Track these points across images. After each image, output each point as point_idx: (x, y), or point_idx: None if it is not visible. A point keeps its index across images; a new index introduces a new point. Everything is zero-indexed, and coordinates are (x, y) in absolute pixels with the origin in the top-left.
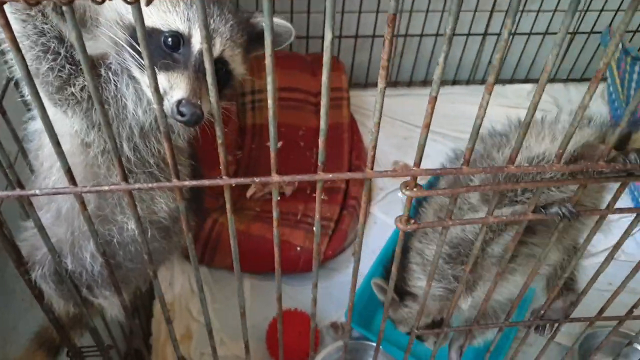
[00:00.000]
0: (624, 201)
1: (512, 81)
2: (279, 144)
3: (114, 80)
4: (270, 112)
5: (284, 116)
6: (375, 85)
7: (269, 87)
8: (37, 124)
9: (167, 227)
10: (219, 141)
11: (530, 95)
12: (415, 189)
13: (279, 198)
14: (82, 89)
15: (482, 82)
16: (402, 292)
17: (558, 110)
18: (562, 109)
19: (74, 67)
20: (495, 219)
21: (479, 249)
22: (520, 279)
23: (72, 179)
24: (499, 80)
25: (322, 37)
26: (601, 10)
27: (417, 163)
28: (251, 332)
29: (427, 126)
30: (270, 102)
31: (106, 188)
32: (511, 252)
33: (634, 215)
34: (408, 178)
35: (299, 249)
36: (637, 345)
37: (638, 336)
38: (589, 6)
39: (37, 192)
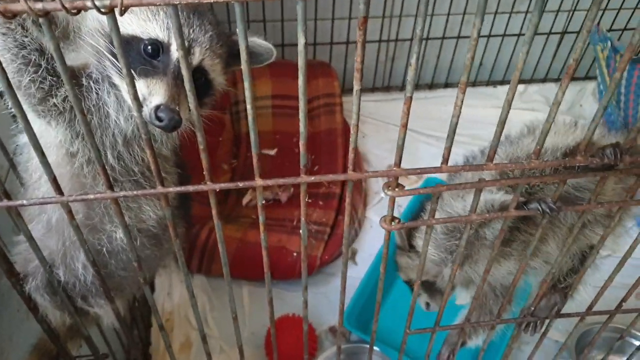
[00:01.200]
0: None
1: (503, 82)
2: (274, 151)
3: (96, 89)
4: (250, 119)
5: (278, 123)
6: (368, 90)
7: (249, 107)
8: (25, 137)
9: (157, 234)
10: (201, 147)
11: (523, 96)
12: (397, 189)
13: (263, 202)
14: (64, 100)
15: (474, 84)
16: (410, 244)
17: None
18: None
19: (55, 79)
20: (478, 217)
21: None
22: (515, 265)
23: (58, 189)
24: (491, 82)
25: (315, 44)
26: (588, 10)
27: (397, 163)
28: (250, 338)
29: (405, 126)
30: (250, 117)
31: (92, 196)
32: (497, 249)
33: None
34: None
35: (295, 254)
36: (630, 339)
37: (630, 330)
38: (576, 6)
39: (25, 202)
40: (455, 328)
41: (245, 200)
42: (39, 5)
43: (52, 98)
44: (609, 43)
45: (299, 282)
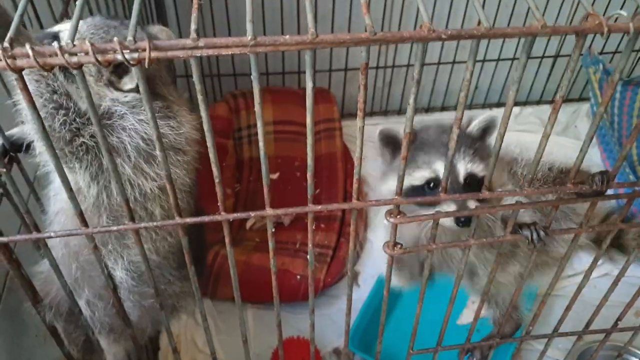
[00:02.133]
0: None
1: (499, 105)
2: (276, 175)
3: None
4: (261, 146)
5: (279, 148)
6: (367, 114)
7: (261, 145)
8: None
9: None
10: (216, 180)
11: (518, 118)
12: (399, 217)
13: (273, 230)
14: (91, 136)
15: (470, 107)
16: None
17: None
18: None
19: (82, 119)
20: (476, 242)
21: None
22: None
23: (83, 221)
24: (487, 105)
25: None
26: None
27: (398, 192)
28: None
29: (405, 159)
30: (261, 152)
31: (114, 228)
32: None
33: None
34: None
35: (299, 277)
36: (629, 356)
37: (628, 347)
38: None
39: (52, 234)
40: (457, 348)
41: (249, 224)
42: (75, 59)
43: (80, 137)
44: (601, 66)
45: (302, 305)
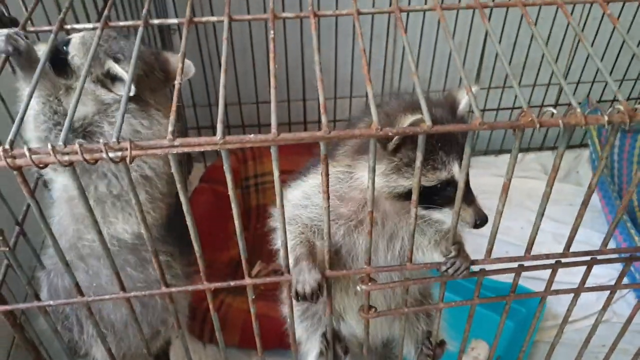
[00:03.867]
0: None
1: (501, 152)
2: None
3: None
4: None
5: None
6: None
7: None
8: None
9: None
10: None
11: (520, 164)
12: (370, 284)
13: (253, 297)
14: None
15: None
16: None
17: (547, 177)
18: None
19: (73, 134)
20: (445, 305)
21: None
22: None
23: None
24: (489, 152)
25: (318, 122)
26: (578, 82)
27: (367, 262)
28: None
29: (370, 234)
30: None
31: (107, 297)
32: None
33: None
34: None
35: None
36: None
37: None
38: (566, 77)
39: (52, 302)
40: None
41: (254, 272)
42: (66, 158)
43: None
44: (600, 113)
45: None
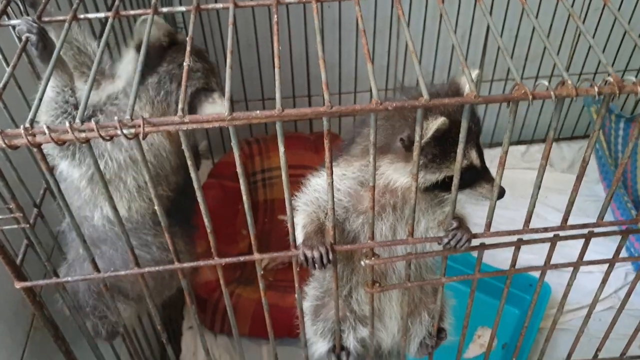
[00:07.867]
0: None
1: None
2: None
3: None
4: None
5: (292, 191)
6: None
7: (288, 211)
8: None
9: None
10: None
11: (525, 156)
12: (373, 258)
13: (262, 272)
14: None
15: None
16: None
17: (551, 168)
18: (555, 166)
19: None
20: (447, 279)
21: None
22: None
23: (95, 267)
24: (493, 144)
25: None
26: (580, 74)
27: (371, 237)
28: None
29: (373, 208)
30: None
31: (122, 272)
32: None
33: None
34: None
35: None
36: None
37: None
38: (568, 69)
39: (70, 279)
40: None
41: (263, 263)
42: (83, 135)
43: None
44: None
45: None
